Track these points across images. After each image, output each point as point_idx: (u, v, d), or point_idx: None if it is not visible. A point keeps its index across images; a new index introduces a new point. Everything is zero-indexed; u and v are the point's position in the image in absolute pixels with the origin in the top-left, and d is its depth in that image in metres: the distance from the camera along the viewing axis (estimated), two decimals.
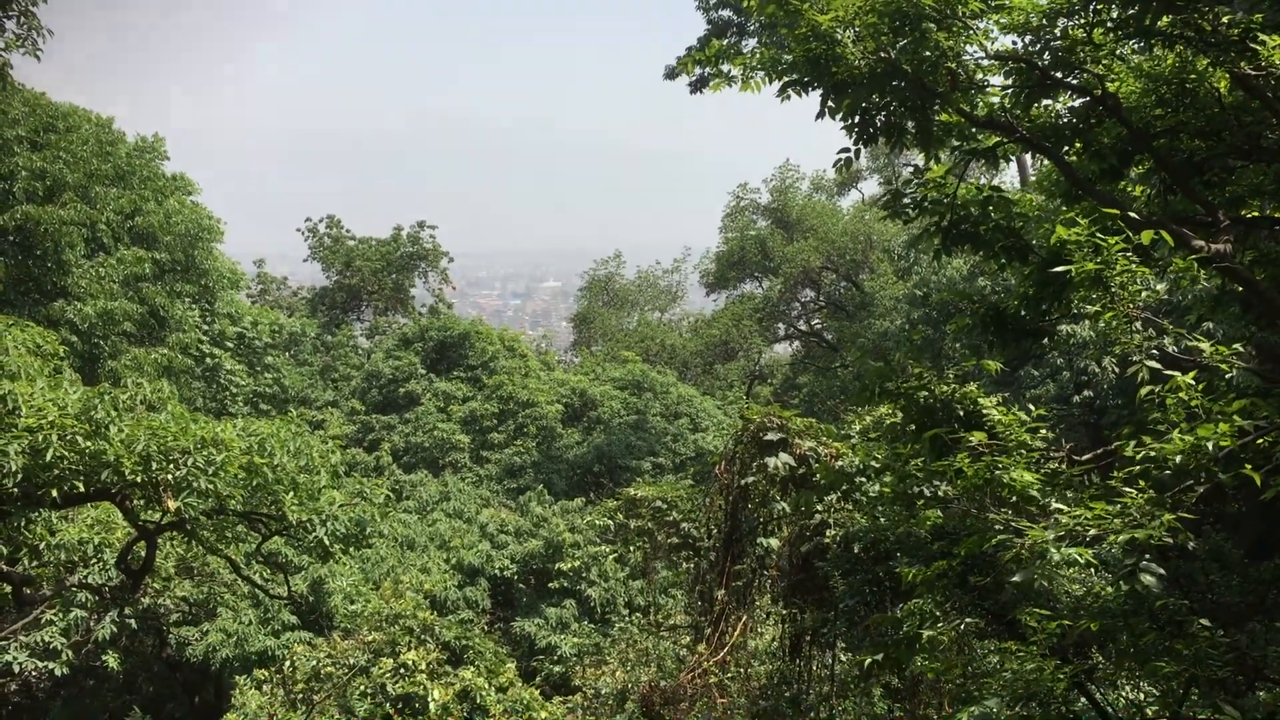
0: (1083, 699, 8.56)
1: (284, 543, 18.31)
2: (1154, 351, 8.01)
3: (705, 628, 15.53)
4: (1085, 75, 9.81)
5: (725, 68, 10.88)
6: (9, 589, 15.70)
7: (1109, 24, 9.39)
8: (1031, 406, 9.13)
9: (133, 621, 20.75)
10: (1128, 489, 7.12)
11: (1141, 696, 9.31)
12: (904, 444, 9.52)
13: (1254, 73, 8.88)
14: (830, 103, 9.70)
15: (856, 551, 12.42)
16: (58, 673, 19.12)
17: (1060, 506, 7.46)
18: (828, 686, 13.96)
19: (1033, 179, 29.65)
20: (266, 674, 17.37)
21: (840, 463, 13.96)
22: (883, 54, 9.27)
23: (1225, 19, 8.86)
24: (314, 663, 16.62)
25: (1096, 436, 25.15)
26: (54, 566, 16.25)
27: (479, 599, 25.89)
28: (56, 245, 27.92)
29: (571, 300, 74.32)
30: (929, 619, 9.02)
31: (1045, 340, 10.57)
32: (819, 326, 51.68)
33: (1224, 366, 7.74)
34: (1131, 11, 9.12)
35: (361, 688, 15.80)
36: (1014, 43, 9.96)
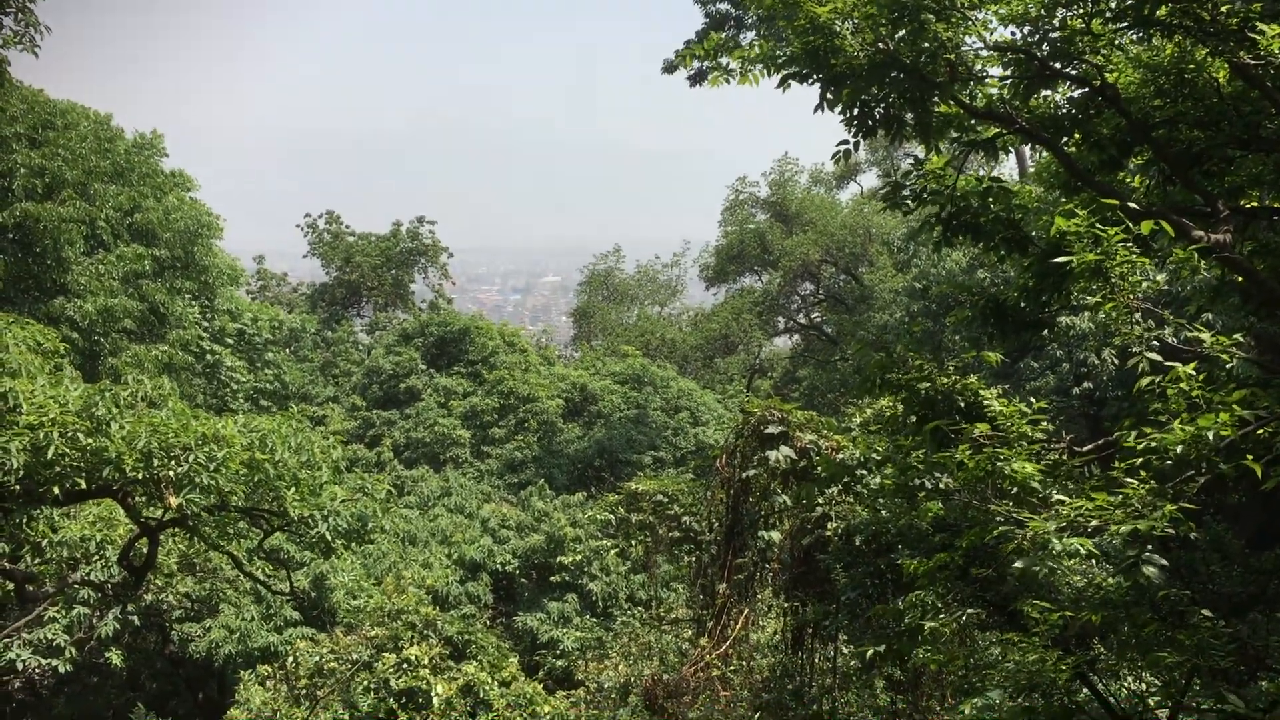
0: (1085, 690, 8.57)
1: (286, 538, 18.33)
2: (1154, 342, 8.01)
3: (707, 621, 15.55)
4: (1084, 66, 9.80)
5: (724, 61, 10.88)
6: (11, 586, 15.71)
7: (1108, 14, 9.39)
8: (1032, 399, 9.13)
9: (135, 618, 20.79)
10: (1129, 480, 7.12)
11: (1144, 687, 9.32)
12: (905, 436, 9.53)
13: (1253, 62, 8.87)
14: (829, 95, 9.69)
15: (858, 544, 12.43)
16: (61, 670, 19.15)
17: (1061, 498, 7.47)
18: (830, 679, 13.98)
19: (1031, 171, 29.64)
20: (270, 670, 17.41)
21: (841, 455, 13.96)
22: (881, 45, 9.26)
23: (1224, 8, 8.84)
24: (317, 658, 16.65)
25: (1096, 428, 25.15)
26: (56, 564, 16.25)
27: (481, 594, 25.91)
28: (56, 242, 27.92)
29: (571, 295, 74.32)
30: (931, 611, 9.03)
31: (1045, 332, 10.58)
32: (818, 320, 51.66)
33: (1224, 357, 7.74)
34: (1130, 1, 9.11)
35: (365, 683, 15.83)
36: (1013, 33, 9.95)
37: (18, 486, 11.34)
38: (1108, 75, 9.80)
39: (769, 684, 14.36)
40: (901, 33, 9.20)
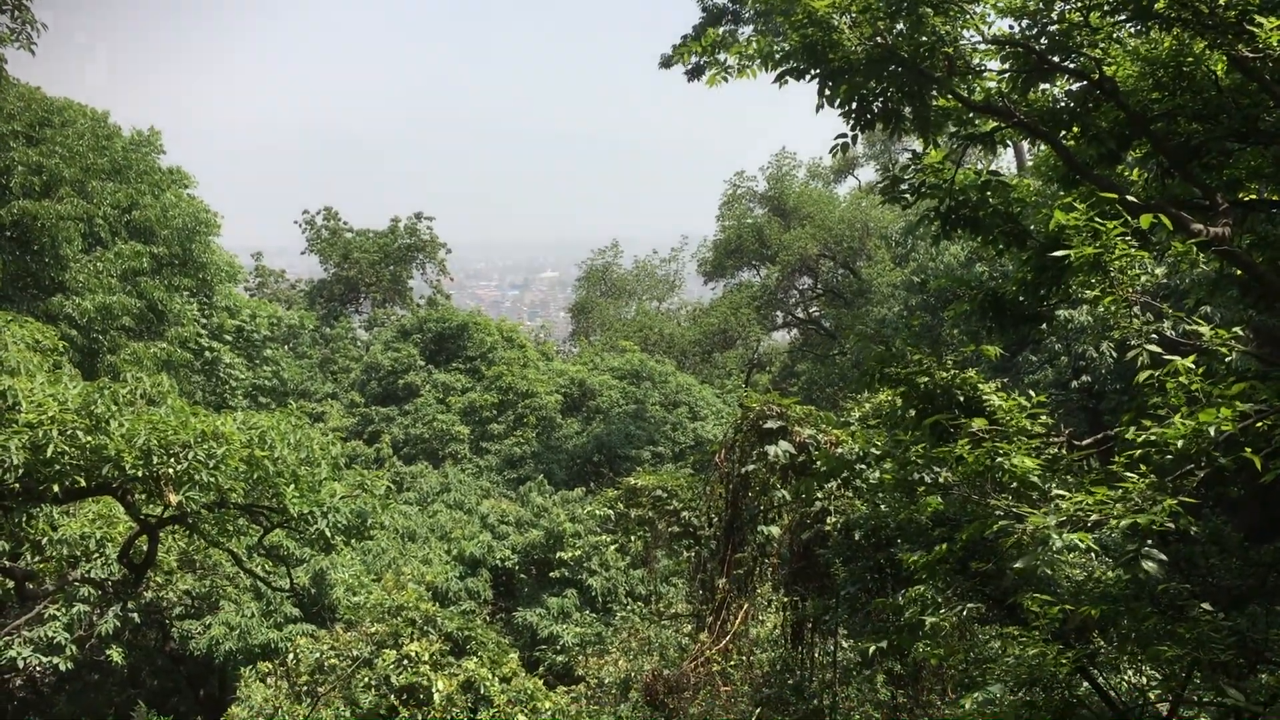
0: (1085, 683, 8.58)
1: (285, 535, 18.32)
2: (1153, 336, 8.01)
3: (707, 616, 15.56)
4: (1082, 59, 9.80)
5: (721, 57, 10.87)
6: (11, 584, 15.72)
7: (1106, 7, 9.37)
8: (1031, 392, 9.13)
9: (136, 615, 20.82)
10: (1129, 474, 7.12)
11: (1144, 680, 9.33)
12: (904, 430, 9.53)
13: (1251, 55, 8.86)
14: (827, 90, 9.69)
15: (857, 538, 12.44)
16: (62, 667, 19.16)
17: (1061, 492, 7.47)
18: (830, 673, 14.00)
19: (1030, 165, 29.64)
20: (270, 666, 17.41)
21: (840, 450, 13.97)
22: (879, 39, 9.25)
23: (1222, 1, 8.84)
24: (317, 655, 16.65)
25: (1095, 421, 25.16)
26: (56, 561, 16.24)
27: (480, 590, 25.93)
28: (54, 240, 27.90)
29: (569, 290, 74.30)
30: (931, 605, 9.04)
31: (1044, 326, 10.58)
32: (817, 314, 51.67)
33: (1223, 350, 7.74)
34: None
35: (365, 679, 15.83)
36: (1010, 27, 9.95)
37: (17, 484, 11.34)
38: (1106, 69, 9.79)
39: (769, 679, 14.38)
40: (899, 26, 9.20)
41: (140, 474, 11.65)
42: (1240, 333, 8.00)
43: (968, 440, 8.08)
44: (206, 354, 33.55)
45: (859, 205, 49.54)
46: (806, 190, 52.84)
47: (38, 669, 19.77)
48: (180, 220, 32.33)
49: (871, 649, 10.14)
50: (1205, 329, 7.85)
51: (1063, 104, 10.64)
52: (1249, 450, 6.69)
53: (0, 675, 19.69)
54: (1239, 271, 9.72)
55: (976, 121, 10.72)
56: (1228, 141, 10.10)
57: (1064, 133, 10.59)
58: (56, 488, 11.34)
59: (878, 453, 12.56)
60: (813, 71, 9.70)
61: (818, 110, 9.82)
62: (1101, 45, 9.76)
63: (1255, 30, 8.55)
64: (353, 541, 15.33)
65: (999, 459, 7.68)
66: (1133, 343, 8.07)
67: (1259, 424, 6.92)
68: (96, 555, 16.89)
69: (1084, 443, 8.89)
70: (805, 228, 48.44)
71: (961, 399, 8.87)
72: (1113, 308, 8.02)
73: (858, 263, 48.00)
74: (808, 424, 14.75)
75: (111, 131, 32.82)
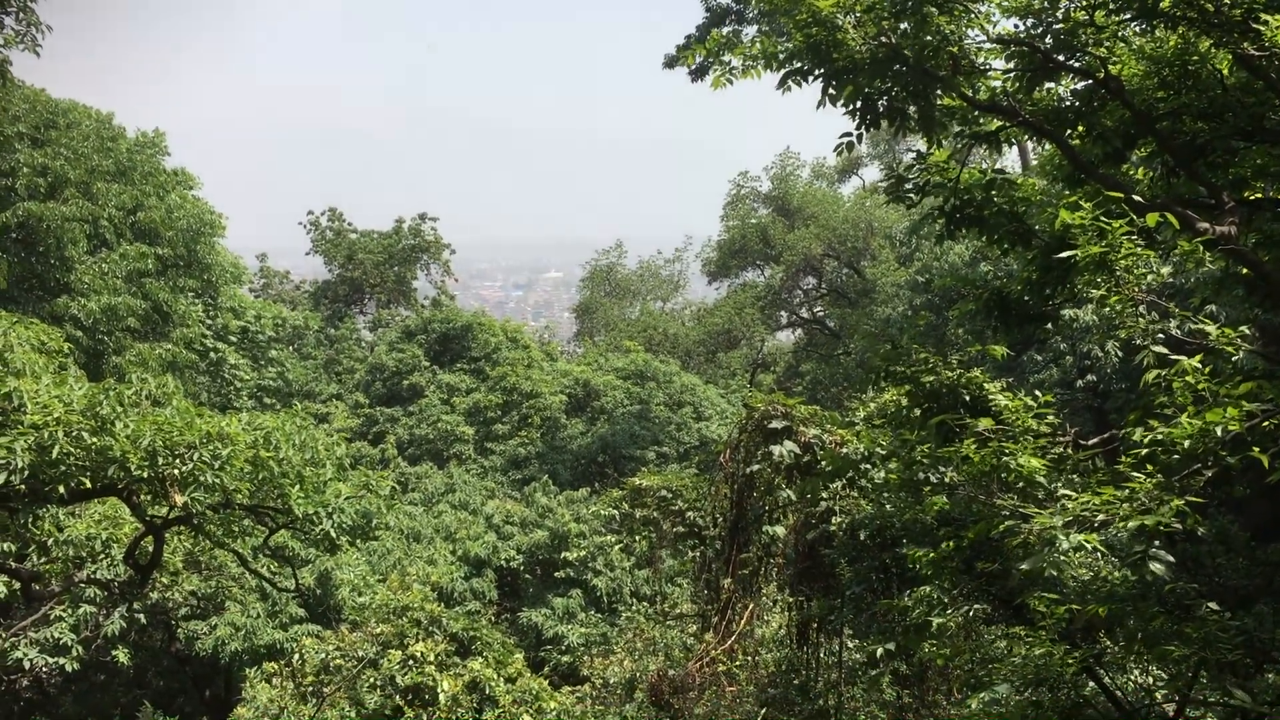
0: (1091, 683, 8.56)
1: (290, 536, 18.34)
2: (1160, 335, 7.99)
3: (712, 616, 15.55)
4: (1088, 58, 9.78)
5: (726, 58, 10.85)
6: (18, 585, 15.74)
7: (1111, 5, 9.35)
8: (1038, 392, 9.12)
9: (141, 616, 20.85)
10: (1135, 474, 7.10)
11: (1150, 681, 9.31)
12: (909, 430, 9.51)
13: (1257, 53, 8.85)
14: (831, 89, 9.68)
15: (863, 539, 12.41)
16: (68, 668, 19.20)
17: (1068, 492, 7.45)
18: (836, 674, 13.98)
19: (1034, 165, 29.59)
20: (276, 667, 17.44)
21: (845, 450, 13.95)
22: (884, 39, 9.24)
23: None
24: (323, 655, 16.68)
25: (1101, 421, 25.12)
26: (62, 562, 16.28)
27: (485, 590, 25.94)
28: (59, 242, 27.95)
29: (573, 291, 74.30)
30: (937, 606, 9.02)
31: (1049, 325, 10.56)
32: (821, 314, 51.64)
33: (1230, 349, 7.72)
34: None
35: (371, 679, 15.85)
36: (1015, 26, 9.93)
37: (23, 486, 11.33)
38: (1111, 67, 9.77)
39: (774, 679, 14.37)
40: (904, 26, 9.19)
41: (146, 475, 11.66)
42: (1246, 332, 7.98)
43: (973, 440, 8.07)
44: (211, 355, 33.60)
45: (863, 205, 49.51)
46: (810, 190, 52.81)
47: (44, 670, 19.79)
48: (185, 221, 32.38)
49: (879, 650, 10.11)
50: (1212, 328, 7.82)
51: (1068, 103, 10.62)
52: (1256, 450, 6.68)
53: (7, 676, 19.71)
54: (1245, 270, 9.69)
55: (981, 121, 10.71)
56: (1233, 140, 10.08)
57: (1069, 131, 10.58)
58: (62, 489, 11.34)
59: (883, 452, 12.55)
60: (817, 71, 9.70)
61: (819, 106, 9.80)
62: (1107, 44, 9.74)
63: (1261, 28, 8.53)
64: (358, 542, 15.33)
65: (1005, 459, 7.67)
66: (1139, 342, 8.06)
67: (1266, 423, 6.90)
68: (102, 556, 16.93)
69: (1090, 442, 8.87)
70: (809, 227, 48.41)
71: (967, 398, 8.86)
72: (1119, 307, 8.00)
73: (862, 262, 47.96)
74: (812, 424, 14.73)
75: (116, 133, 32.88)
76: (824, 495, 13.51)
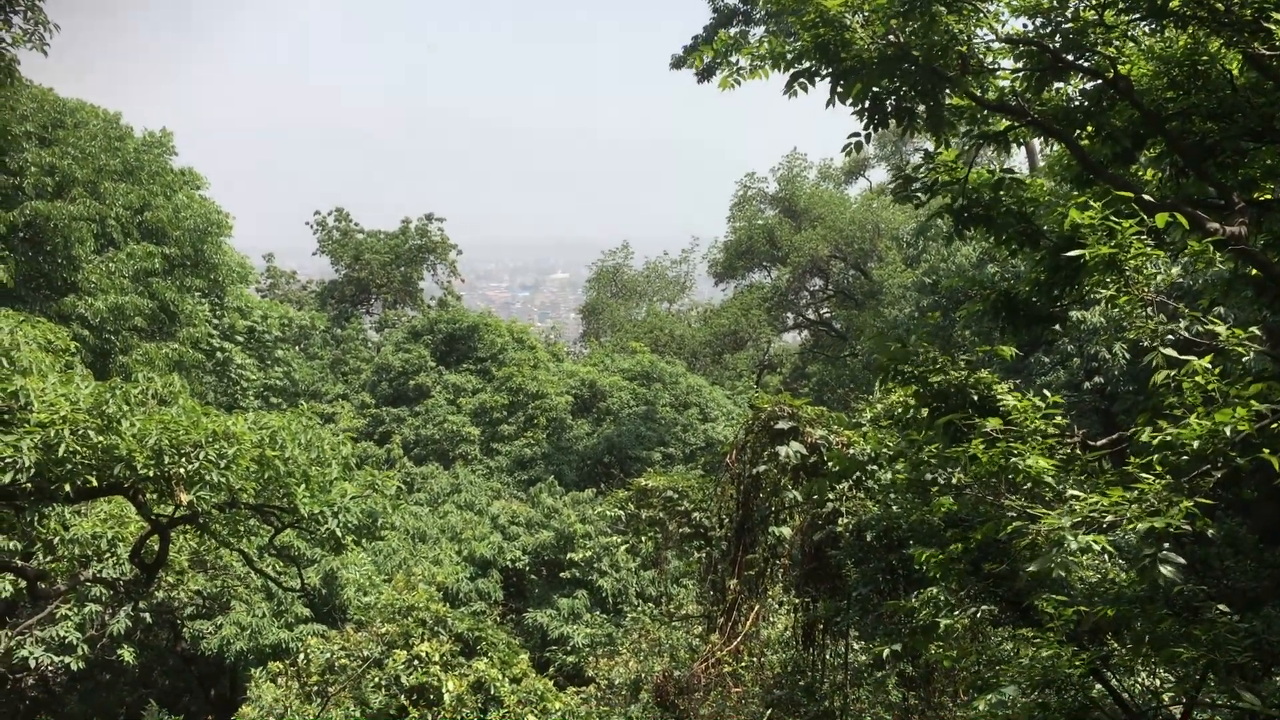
0: (1099, 686, 8.52)
1: (296, 535, 18.36)
2: (1169, 337, 7.94)
3: (718, 617, 15.52)
4: (1097, 58, 9.74)
5: (734, 58, 10.83)
6: (24, 584, 15.75)
7: (1120, 5, 9.32)
8: (1046, 392, 9.08)
9: (147, 615, 20.87)
10: (1144, 475, 7.07)
11: (1158, 683, 9.27)
12: (917, 430, 9.48)
13: (1268, 53, 8.80)
14: (839, 89, 9.65)
15: (869, 540, 12.38)
16: (74, 667, 19.23)
17: (1076, 493, 7.41)
18: (842, 675, 13.94)
19: (1042, 165, 29.52)
20: (281, 667, 17.43)
21: (852, 451, 13.92)
22: (892, 38, 9.21)
23: None
24: (328, 655, 16.67)
25: (1108, 422, 25.04)
26: (68, 561, 16.29)
27: (491, 590, 25.94)
28: (66, 241, 28.00)
29: (580, 292, 74.31)
30: (944, 607, 8.98)
31: (1057, 326, 10.52)
32: (828, 315, 51.59)
33: (1240, 350, 7.67)
34: None
35: (376, 679, 15.83)
36: (1024, 25, 9.90)
37: (29, 484, 11.35)
38: (1120, 67, 9.73)
39: (780, 680, 14.33)
40: (913, 25, 9.15)
41: (152, 474, 11.66)
42: (1257, 333, 7.94)
43: (981, 440, 8.03)
44: (218, 355, 33.64)
45: (870, 206, 49.46)
46: (817, 191, 52.78)
47: (50, 668, 19.83)
48: (192, 221, 32.43)
49: (885, 652, 10.07)
50: (1222, 328, 7.78)
51: (1077, 103, 10.59)
52: (1266, 451, 6.64)
53: (12, 674, 19.74)
54: (1254, 271, 9.65)
55: (990, 120, 10.67)
56: (1243, 140, 10.04)
57: (1078, 132, 10.54)
58: (68, 487, 11.35)
59: (890, 453, 12.51)
60: (825, 71, 9.67)
61: (828, 105, 9.78)
62: (1116, 44, 9.70)
63: (1272, 28, 8.48)
64: (363, 542, 15.35)
65: (1013, 459, 7.63)
66: (1147, 343, 8.01)
67: (1275, 425, 6.86)
68: (108, 555, 16.94)
69: (1098, 443, 8.83)
70: (816, 229, 48.37)
71: (975, 398, 8.82)
72: (1128, 308, 7.96)
73: (869, 264, 47.92)
74: (819, 425, 14.70)
75: (124, 133, 32.94)
76: (830, 496, 13.48)
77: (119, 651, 20.42)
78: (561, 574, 26.58)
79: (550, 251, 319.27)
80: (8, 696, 21.41)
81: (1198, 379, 7.31)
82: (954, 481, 9.30)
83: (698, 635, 17.02)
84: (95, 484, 11.68)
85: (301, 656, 17.19)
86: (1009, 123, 10.47)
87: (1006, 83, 10.19)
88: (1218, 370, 7.41)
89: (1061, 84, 10.61)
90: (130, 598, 19.10)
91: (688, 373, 38.38)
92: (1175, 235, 9.00)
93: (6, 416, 11.48)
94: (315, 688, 16.45)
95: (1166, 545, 6.61)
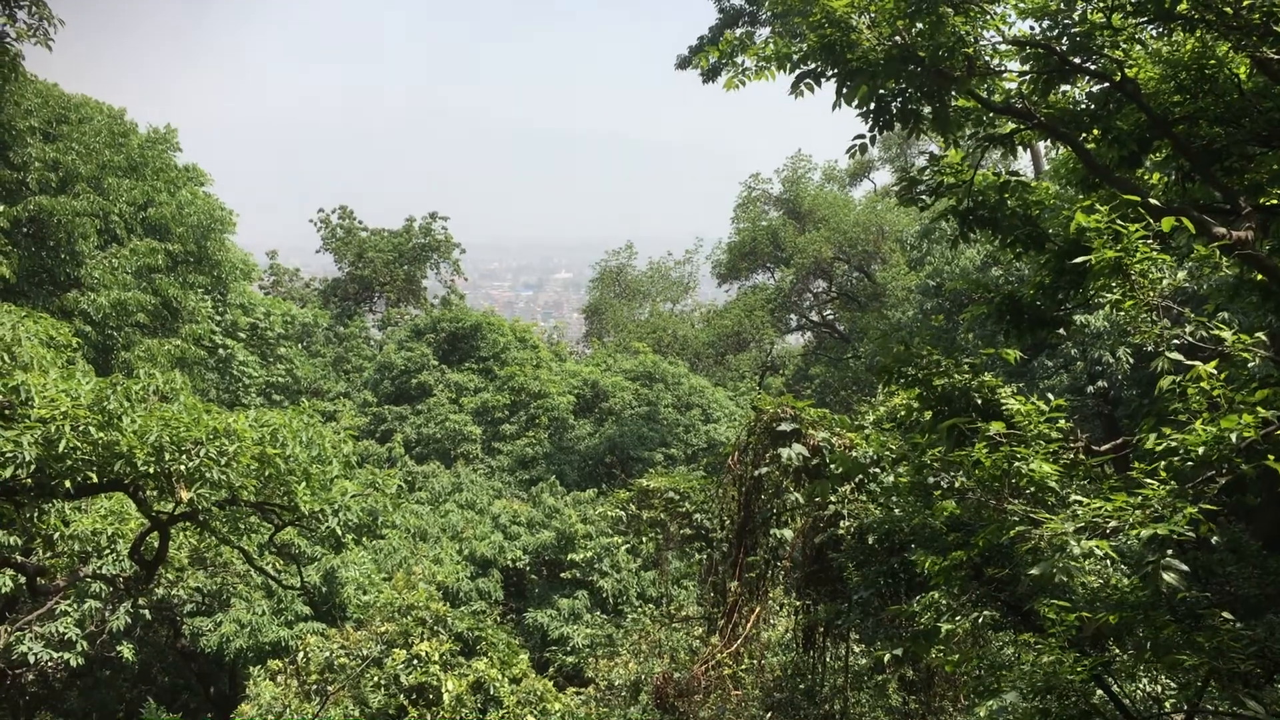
0: (1100, 691, 8.48)
1: (296, 533, 18.33)
2: (1175, 342, 7.90)
3: (718, 619, 15.48)
4: (1104, 61, 9.69)
5: (739, 59, 10.80)
6: (23, 580, 15.74)
7: (1128, 7, 9.27)
8: (1050, 396, 9.04)
9: (147, 612, 20.85)
10: (1148, 480, 7.02)
11: (1159, 689, 9.23)
12: (920, 433, 9.44)
13: (1276, 57, 8.76)
14: (845, 90, 9.61)
15: (871, 543, 12.34)
16: (73, 663, 19.20)
17: (1079, 498, 7.37)
18: (842, 678, 13.91)
19: (1047, 169, 29.46)
20: (280, 665, 17.42)
21: (854, 453, 13.88)
22: (898, 39, 9.17)
23: (1246, 2, 8.73)
24: (327, 654, 16.66)
25: (1111, 427, 24.99)
26: (67, 557, 16.27)
27: (491, 590, 25.91)
28: (70, 236, 27.99)
29: (583, 291, 74.30)
30: (946, 612, 8.94)
31: (1061, 330, 10.47)
32: (831, 317, 51.55)
33: (1246, 355, 7.63)
34: None
35: (375, 679, 15.81)
36: (1031, 27, 9.85)
37: (29, 480, 11.32)
38: (1128, 70, 9.69)
39: (780, 683, 14.30)
40: (919, 26, 9.11)
41: (152, 470, 11.62)
42: (1263, 338, 7.89)
43: (985, 444, 7.99)
44: (220, 351, 33.63)
45: (874, 208, 49.42)
46: (821, 193, 52.73)
47: (49, 664, 19.80)
48: (195, 217, 32.42)
49: (886, 656, 10.03)
50: (1227, 334, 7.74)
51: (1083, 106, 10.54)
52: (1271, 458, 6.59)
53: (12, 670, 19.72)
54: (1259, 277, 9.60)
55: (996, 123, 10.63)
56: (1250, 145, 9.99)
57: (1084, 135, 10.49)
58: (68, 483, 11.32)
59: (893, 456, 12.47)
60: (830, 72, 9.63)
61: (834, 107, 9.74)
62: (1123, 47, 9.66)
63: None
64: (364, 540, 15.31)
65: (1017, 464, 7.59)
66: (1150, 348, 7.97)
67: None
68: (108, 551, 16.92)
69: (1102, 448, 8.79)
70: (820, 230, 48.32)
71: (979, 401, 8.78)
72: (1133, 312, 7.92)
73: (872, 266, 47.87)
74: (821, 427, 14.66)
75: (128, 128, 32.95)
76: (832, 499, 13.44)
77: (119, 648, 20.40)
78: (562, 574, 26.55)
79: (553, 251, 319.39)
80: (7, 692, 21.40)
81: (1203, 384, 7.27)
82: (957, 485, 9.26)
83: (698, 637, 16.99)
84: (95, 480, 11.65)
85: (301, 655, 17.18)
86: (1015, 125, 10.42)
87: (1013, 85, 10.15)
88: (1223, 375, 7.37)
89: (1068, 87, 10.57)
90: (130, 594, 19.05)
91: (690, 373, 38.35)
92: (1181, 240, 8.96)
93: (7, 412, 11.46)
94: (314, 686, 16.44)
95: (1170, 551, 6.57)
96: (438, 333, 37.20)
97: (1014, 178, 10.12)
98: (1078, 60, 9.73)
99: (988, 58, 9.72)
